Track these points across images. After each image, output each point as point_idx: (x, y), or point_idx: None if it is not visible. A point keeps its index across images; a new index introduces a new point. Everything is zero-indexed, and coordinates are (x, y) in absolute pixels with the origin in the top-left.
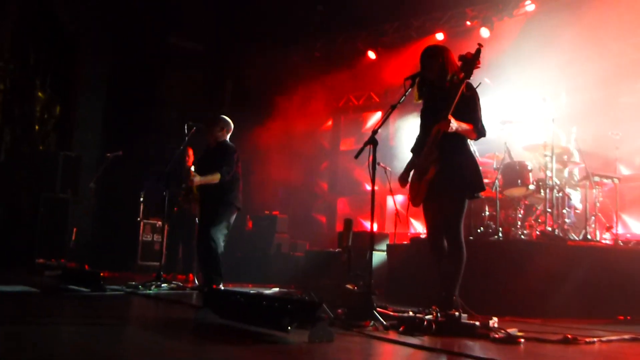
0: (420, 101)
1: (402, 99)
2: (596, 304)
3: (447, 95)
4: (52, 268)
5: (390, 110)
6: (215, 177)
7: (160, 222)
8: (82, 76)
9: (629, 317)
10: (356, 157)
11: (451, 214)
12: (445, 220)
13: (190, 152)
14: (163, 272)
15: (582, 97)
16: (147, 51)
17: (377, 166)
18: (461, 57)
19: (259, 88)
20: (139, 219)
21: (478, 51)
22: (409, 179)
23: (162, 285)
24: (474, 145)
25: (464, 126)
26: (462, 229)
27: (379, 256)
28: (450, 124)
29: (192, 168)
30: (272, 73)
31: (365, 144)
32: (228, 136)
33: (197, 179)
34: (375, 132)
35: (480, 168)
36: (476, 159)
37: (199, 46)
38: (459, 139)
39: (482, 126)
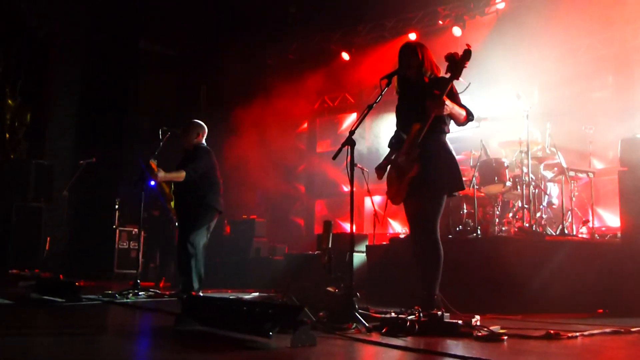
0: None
1: (379, 99)
2: (575, 297)
3: (426, 91)
4: (26, 279)
5: (367, 110)
6: (180, 175)
7: (136, 229)
8: (53, 83)
9: (607, 310)
10: (334, 158)
11: (429, 212)
12: (423, 218)
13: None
14: (140, 280)
15: (555, 94)
16: (120, 57)
17: (355, 167)
18: (448, 57)
19: (234, 92)
20: (114, 226)
21: (467, 52)
22: (386, 175)
23: (140, 293)
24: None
25: (457, 108)
26: (437, 227)
27: (358, 257)
28: (443, 107)
29: (155, 161)
30: (247, 76)
31: (343, 145)
32: (204, 140)
33: (162, 175)
34: (352, 132)
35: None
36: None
37: (172, 51)
38: (440, 136)
39: (470, 111)
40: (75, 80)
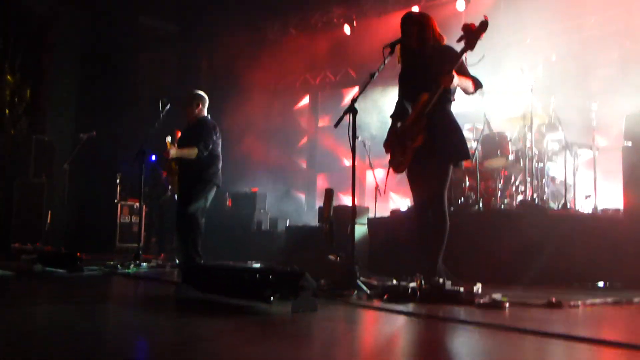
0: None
1: (381, 67)
2: (577, 271)
3: (430, 61)
4: (28, 252)
5: (370, 78)
6: (193, 152)
7: (138, 204)
8: (52, 58)
9: (608, 284)
10: (335, 125)
11: (437, 182)
12: (431, 189)
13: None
14: (142, 253)
15: (560, 68)
16: (119, 32)
17: (357, 139)
18: (464, 27)
19: (235, 66)
20: (116, 200)
21: (483, 23)
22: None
23: (141, 264)
24: None
25: (464, 80)
26: (445, 198)
27: (360, 230)
28: (452, 80)
29: (169, 139)
30: (248, 51)
31: (345, 113)
32: (205, 111)
33: (174, 151)
34: (354, 100)
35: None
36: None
37: (171, 26)
38: (445, 107)
39: (478, 80)
40: (75, 55)
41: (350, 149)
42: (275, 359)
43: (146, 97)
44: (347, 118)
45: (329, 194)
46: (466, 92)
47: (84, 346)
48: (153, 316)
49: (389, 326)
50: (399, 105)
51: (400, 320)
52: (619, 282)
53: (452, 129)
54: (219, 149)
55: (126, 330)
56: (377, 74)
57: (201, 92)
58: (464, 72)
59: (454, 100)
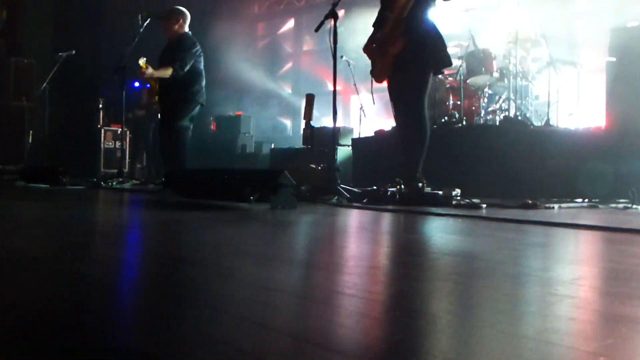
0: None
1: None
2: (559, 184)
3: None
4: (11, 172)
5: None
6: (167, 72)
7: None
8: None
9: (588, 199)
10: (316, 30)
11: (416, 89)
12: (410, 95)
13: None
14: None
15: None
16: None
17: (340, 59)
18: None
19: None
20: (99, 125)
21: None
22: (372, 53)
23: (125, 182)
24: None
25: None
26: (425, 104)
27: (344, 151)
28: None
29: (143, 60)
30: None
31: (326, 17)
32: (186, 27)
33: (149, 72)
34: (335, 4)
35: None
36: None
37: None
38: (425, 11)
39: None
40: None
41: (332, 55)
42: (249, 233)
43: (126, 13)
44: (329, 23)
45: (310, 99)
46: None
47: (73, 230)
48: (139, 211)
49: (366, 217)
50: (380, 14)
51: (379, 214)
52: (598, 198)
53: (432, 35)
54: (201, 66)
55: (115, 218)
56: None
57: (181, 8)
58: None
59: (434, 2)
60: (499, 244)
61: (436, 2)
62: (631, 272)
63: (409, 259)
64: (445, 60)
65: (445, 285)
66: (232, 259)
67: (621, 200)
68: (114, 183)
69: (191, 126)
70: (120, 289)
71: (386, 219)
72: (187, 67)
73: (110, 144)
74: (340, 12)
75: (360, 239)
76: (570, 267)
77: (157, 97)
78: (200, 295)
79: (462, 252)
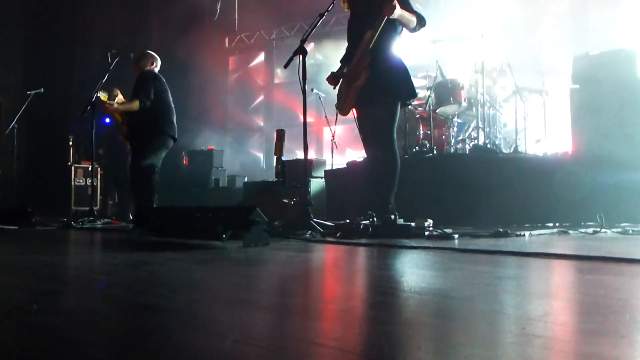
0: (349, 10)
1: (330, 7)
2: (528, 211)
3: (375, 3)
4: None
5: (319, 18)
6: (133, 104)
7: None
8: None
9: (557, 224)
10: (285, 66)
11: (384, 122)
12: (379, 128)
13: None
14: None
15: (510, 13)
16: None
17: (311, 92)
18: None
19: (187, 23)
20: (69, 163)
21: None
22: (338, 86)
23: (96, 221)
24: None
25: (407, 14)
26: (395, 136)
27: (317, 183)
28: (395, 9)
29: (102, 94)
30: (200, 8)
31: (295, 53)
32: (156, 70)
33: (114, 106)
34: (303, 41)
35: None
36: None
37: None
38: (390, 45)
39: (422, 16)
40: (19, 12)
41: (301, 90)
42: (222, 275)
43: (96, 54)
44: (298, 59)
45: (280, 135)
46: (408, 27)
47: (40, 277)
48: (108, 253)
49: (339, 252)
50: (348, 51)
51: (352, 248)
52: (568, 222)
53: (398, 67)
54: (169, 99)
55: (84, 264)
56: (325, 14)
57: (152, 52)
58: (407, 8)
59: (399, 36)
60: (469, 279)
61: (402, 33)
62: (598, 306)
63: (379, 299)
64: (410, 92)
65: (413, 330)
66: (204, 305)
67: (589, 224)
68: (85, 222)
69: (159, 162)
70: (88, 343)
71: (359, 254)
72: (152, 96)
73: (81, 181)
74: (310, 45)
75: (332, 278)
76: (538, 302)
77: (122, 136)
78: (171, 350)
79: (432, 289)
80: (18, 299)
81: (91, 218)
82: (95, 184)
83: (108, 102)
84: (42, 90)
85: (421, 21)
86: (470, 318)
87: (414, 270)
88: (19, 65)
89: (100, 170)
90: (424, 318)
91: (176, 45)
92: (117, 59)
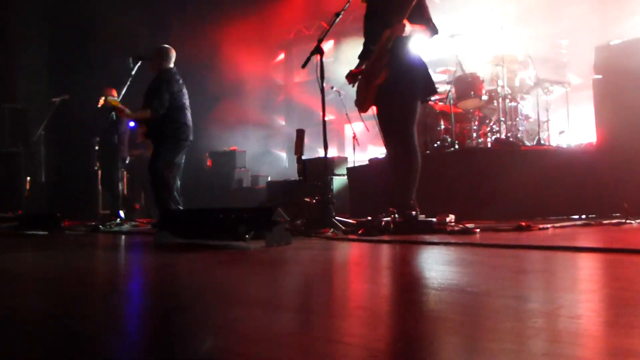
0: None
1: (346, 6)
2: (552, 203)
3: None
4: (9, 220)
5: (335, 18)
6: (146, 113)
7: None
8: (20, 24)
9: (582, 216)
10: (303, 66)
11: (404, 119)
12: (398, 125)
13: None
14: (126, 219)
15: (530, 4)
16: None
17: (331, 90)
18: None
19: (206, 26)
20: (96, 167)
21: None
22: (357, 84)
23: (123, 224)
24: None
25: (418, 28)
26: (415, 133)
27: (339, 180)
28: (404, 29)
29: (111, 99)
30: (219, 9)
31: (312, 53)
32: (171, 63)
33: (127, 111)
34: (320, 41)
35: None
36: (425, 63)
37: None
38: (407, 44)
39: (434, 24)
40: (43, 20)
41: (320, 90)
42: (245, 275)
43: (118, 59)
44: (316, 59)
45: (300, 134)
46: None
47: (68, 282)
48: (135, 254)
49: (361, 250)
50: (365, 47)
51: (374, 246)
52: (593, 214)
53: (417, 65)
54: (183, 101)
55: (111, 266)
56: (342, 14)
57: (165, 45)
58: (423, 14)
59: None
60: (488, 274)
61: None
62: (621, 299)
63: (402, 297)
64: (430, 89)
65: (433, 327)
66: (228, 307)
67: (615, 215)
68: (113, 226)
69: (179, 162)
70: (115, 349)
71: (381, 252)
72: (166, 104)
73: None
74: (329, 43)
75: (355, 276)
76: (564, 295)
77: (142, 136)
78: (199, 353)
79: (452, 285)
80: (46, 305)
81: (118, 221)
82: (121, 187)
83: (120, 106)
84: (67, 97)
85: (433, 32)
86: (495, 314)
87: (434, 266)
88: (43, 73)
89: (127, 174)
90: (448, 315)
91: (195, 46)
92: (139, 64)
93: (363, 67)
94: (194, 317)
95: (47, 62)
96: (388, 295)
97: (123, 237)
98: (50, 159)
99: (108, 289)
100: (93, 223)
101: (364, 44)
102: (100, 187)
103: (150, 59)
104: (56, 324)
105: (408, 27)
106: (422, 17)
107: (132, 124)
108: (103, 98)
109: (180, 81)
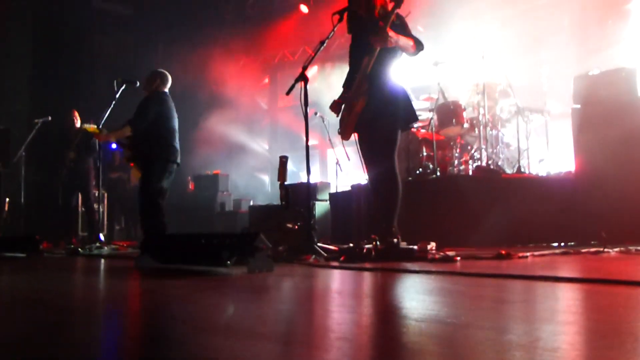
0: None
1: (331, 34)
2: (532, 231)
3: (376, 26)
4: None
5: (320, 46)
6: (126, 130)
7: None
8: (3, 44)
9: (562, 244)
10: (287, 93)
11: (383, 146)
12: (378, 152)
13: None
14: (106, 241)
15: (511, 34)
16: (72, 16)
17: (315, 116)
18: None
19: (191, 49)
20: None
21: None
22: (340, 113)
23: (103, 247)
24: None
25: (403, 39)
26: (396, 159)
27: (322, 206)
28: (384, 41)
29: (87, 126)
30: (204, 32)
31: (296, 81)
32: (165, 88)
33: (105, 134)
34: (305, 68)
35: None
36: (406, 91)
37: (126, 9)
38: (388, 70)
39: (419, 40)
40: (26, 40)
41: (303, 116)
42: (227, 302)
43: (102, 80)
44: (300, 86)
45: (283, 161)
46: (406, 51)
47: (47, 307)
48: (114, 280)
49: (342, 278)
50: (349, 75)
51: (355, 273)
52: (572, 241)
53: (397, 92)
54: (172, 123)
55: (88, 290)
56: (326, 42)
57: (163, 71)
58: (405, 33)
59: (398, 59)
60: (468, 304)
61: (402, 56)
62: (599, 331)
63: (383, 328)
64: (411, 116)
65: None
66: (210, 336)
67: (593, 243)
68: (93, 249)
69: (166, 185)
70: None
71: (362, 280)
72: (146, 118)
73: None
74: (314, 69)
75: (336, 306)
76: (528, 326)
77: (126, 159)
78: None
79: (432, 316)
80: (25, 331)
81: (98, 244)
82: (101, 209)
83: (99, 129)
84: (49, 118)
85: (419, 45)
86: (474, 345)
87: (414, 296)
88: (26, 93)
89: (107, 195)
90: (429, 347)
91: (180, 70)
92: (123, 87)
93: (345, 95)
94: (173, 347)
95: (29, 82)
96: (369, 326)
97: (103, 260)
98: (29, 180)
99: (88, 318)
100: (72, 246)
101: (348, 73)
102: (80, 208)
103: (144, 82)
104: (36, 352)
105: (393, 37)
106: (407, 35)
107: (113, 145)
108: (88, 125)
109: (172, 105)
